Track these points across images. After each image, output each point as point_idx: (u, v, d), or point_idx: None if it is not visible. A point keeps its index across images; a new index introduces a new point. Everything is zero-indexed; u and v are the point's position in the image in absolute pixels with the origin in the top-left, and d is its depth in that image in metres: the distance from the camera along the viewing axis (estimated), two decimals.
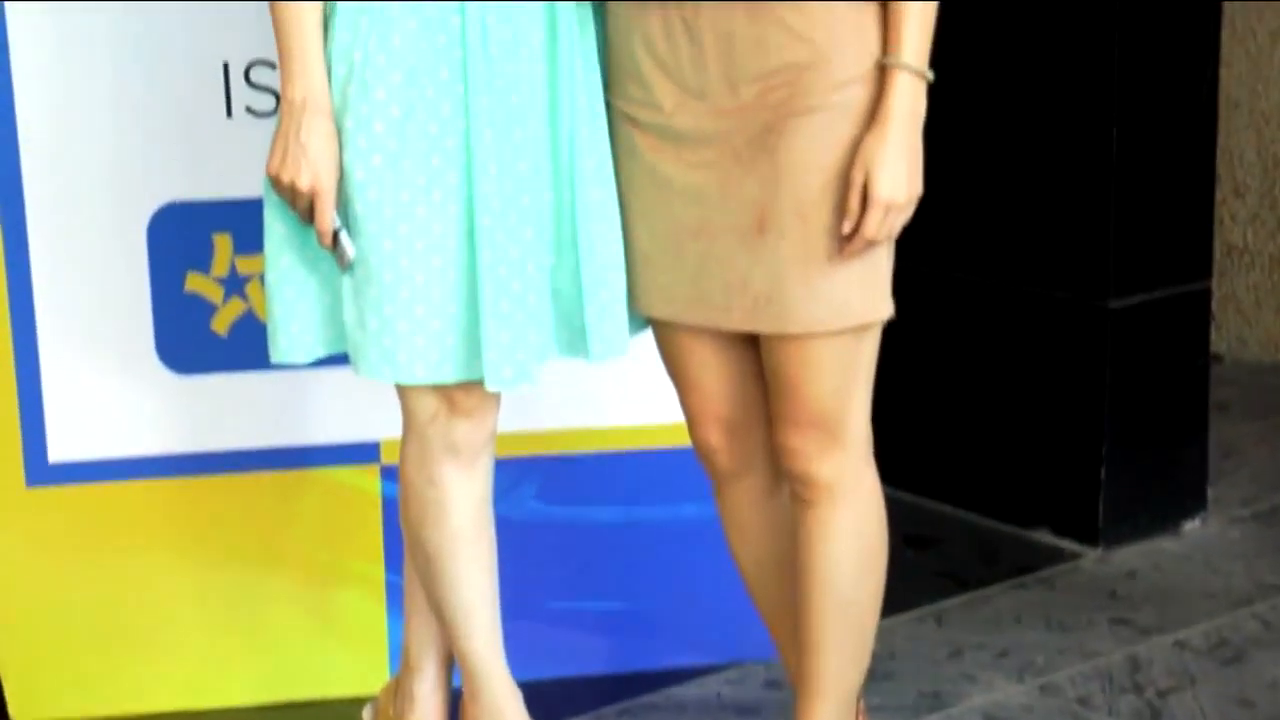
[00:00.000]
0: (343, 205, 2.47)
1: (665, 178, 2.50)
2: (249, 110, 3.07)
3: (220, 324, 3.15)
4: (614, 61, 2.53)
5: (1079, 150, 3.86)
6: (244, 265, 3.12)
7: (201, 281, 3.13)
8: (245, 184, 2.97)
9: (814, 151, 2.41)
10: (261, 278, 2.65)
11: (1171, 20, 3.86)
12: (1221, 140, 4.46)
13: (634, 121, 2.51)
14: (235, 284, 3.14)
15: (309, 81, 2.43)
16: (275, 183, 2.46)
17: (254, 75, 3.06)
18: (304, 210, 2.46)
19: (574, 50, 2.51)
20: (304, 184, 2.43)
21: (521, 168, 2.49)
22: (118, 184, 3.08)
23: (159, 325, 3.14)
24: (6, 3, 2.99)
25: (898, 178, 2.40)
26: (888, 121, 2.40)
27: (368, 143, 2.44)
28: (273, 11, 2.44)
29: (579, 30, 2.52)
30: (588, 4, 2.53)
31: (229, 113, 3.08)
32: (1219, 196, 4.76)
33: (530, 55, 2.48)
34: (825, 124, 2.41)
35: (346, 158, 2.45)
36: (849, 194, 2.40)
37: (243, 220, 3.04)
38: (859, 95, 2.41)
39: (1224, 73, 4.47)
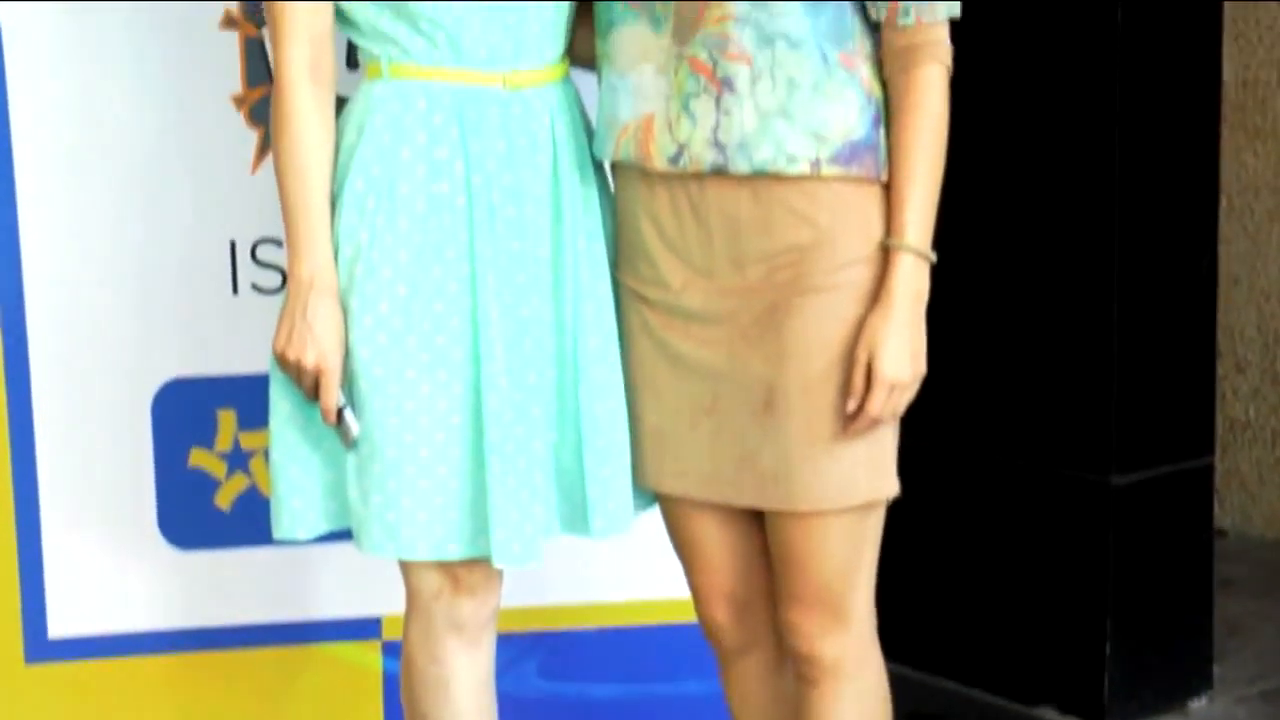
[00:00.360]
0: (348, 382, 2.48)
1: (676, 355, 2.51)
2: (255, 287, 3.09)
3: (223, 499, 3.15)
4: (623, 240, 2.56)
5: (1081, 328, 3.87)
6: (247, 441, 3.12)
7: (205, 457, 3.14)
8: (250, 360, 2.98)
9: (819, 330, 2.43)
10: (265, 453, 2.65)
11: (1171, 199, 3.89)
12: (1222, 316, 4.48)
13: (643, 299, 2.53)
14: (239, 459, 3.14)
15: (316, 260, 2.44)
16: (281, 360, 2.47)
17: (260, 253, 3.08)
18: (309, 388, 2.47)
19: (578, 229, 2.53)
20: (309, 362, 2.44)
21: (527, 346, 2.50)
22: (123, 359, 3.09)
23: (161, 500, 3.14)
24: (18, 179, 3.02)
25: (901, 357, 2.41)
26: (891, 301, 2.41)
27: (373, 321, 2.46)
28: (281, 191, 2.46)
29: (583, 209, 2.54)
30: (593, 184, 2.56)
31: (235, 289, 3.10)
32: (1220, 372, 4.77)
33: (536, 234, 2.51)
34: (830, 303, 2.43)
35: (352, 336, 2.46)
36: (853, 373, 2.42)
37: (247, 395, 3.04)
38: (863, 275, 2.43)
39: (1223, 250, 4.50)
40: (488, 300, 2.46)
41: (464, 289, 2.47)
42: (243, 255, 3.09)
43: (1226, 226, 4.80)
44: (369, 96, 2.49)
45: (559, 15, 2.51)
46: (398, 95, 2.47)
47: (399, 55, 2.47)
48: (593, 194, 2.56)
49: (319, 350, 2.44)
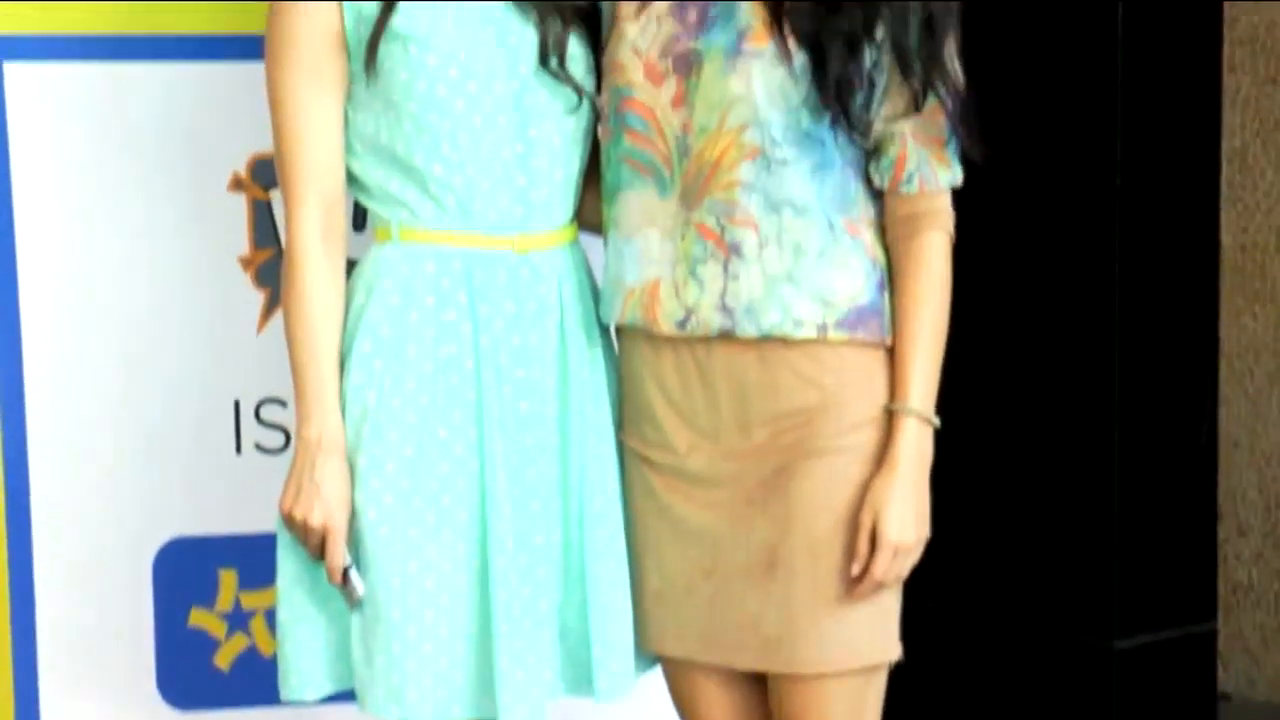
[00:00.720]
0: (353, 542, 2.47)
1: (678, 518, 2.52)
2: (258, 447, 3.10)
3: (223, 659, 3.13)
4: (628, 402, 2.57)
5: (1083, 492, 3.87)
6: (248, 600, 3.11)
7: (205, 616, 3.12)
8: (252, 520, 2.97)
9: (825, 493, 2.44)
10: (265, 613, 2.65)
11: (1171, 361, 3.91)
12: (1223, 479, 4.48)
13: (648, 462, 2.54)
14: (239, 619, 3.13)
15: (324, 421, 2.45)
16: (288, 520, 2.47)
17: (264, 413, 3.09)
18: (315, 548, 2.47)
19: (584, 391, 2.54)
20: (316, 522, 2.44)
21: (534, 507, 2.50)
22: (125, 517, 3.09)
23: (161, 660, 3.12)
24: (24, 337, 3.03)
25: (906, 520, 2.42)
26: (896, 465, 2.42)
27: (380, 482, 2.46)
28: (291, 352, 2.47)
29: (589, 371, 2.55)
30: (599, 346, 2.57)
31: (238, 449, 3.10)
32: (1222, 535, 4.76)
33: (542, 396, 2.51)
34: (836, 466, 2.44)
35: (359, 497, 2.46)
36: (858, 536, 2.42)
37: (248, 555, 3.04)
38: (868, 438, 2.44)
39: (1223, 412, 4.51)
40: (495, 462, 2.47)
41: (471, 451, 2.48)
42: (246, 415, 3.09)
43: (1226, 389, 4.81)
44: (378, 259, 2.51)
45: (567, 179, 2.54)
46: (407, 259, 2.49)
47: (408, 219, 2.49)
48: (598, 356, 2.57)
49: (326, 510, 2.43)
